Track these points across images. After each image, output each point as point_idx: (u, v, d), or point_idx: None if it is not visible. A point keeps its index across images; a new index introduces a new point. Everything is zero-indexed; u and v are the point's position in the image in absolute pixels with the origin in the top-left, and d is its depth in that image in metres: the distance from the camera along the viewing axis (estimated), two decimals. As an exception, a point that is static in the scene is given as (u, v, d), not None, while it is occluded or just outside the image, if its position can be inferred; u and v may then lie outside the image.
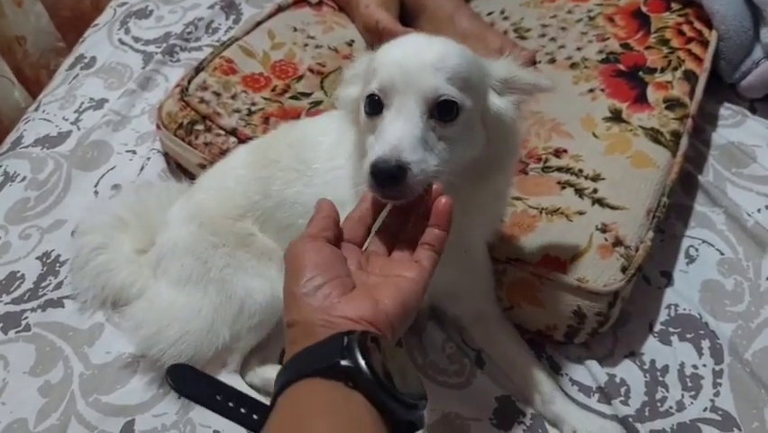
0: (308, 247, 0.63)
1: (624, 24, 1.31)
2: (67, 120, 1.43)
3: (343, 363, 0.53)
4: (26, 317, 1.09)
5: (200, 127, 1.21)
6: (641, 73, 1.20)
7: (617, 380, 0.95)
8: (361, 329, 0.56)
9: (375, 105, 0.70)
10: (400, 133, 0.67)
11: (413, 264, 0.64)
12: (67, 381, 1.00)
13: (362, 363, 0.53)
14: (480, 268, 0.93)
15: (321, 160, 0.91)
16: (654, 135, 1.09)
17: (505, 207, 0.94)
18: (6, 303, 1.11)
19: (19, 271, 1.16)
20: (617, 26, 1.31)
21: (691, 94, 1.16)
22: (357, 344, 0.54)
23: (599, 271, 0.93)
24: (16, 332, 1.07)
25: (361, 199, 0.71)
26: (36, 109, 1.48)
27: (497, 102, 0.75)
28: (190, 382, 0.85)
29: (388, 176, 0.65)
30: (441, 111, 0.69)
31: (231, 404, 0.79)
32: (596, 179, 1.04)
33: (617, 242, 0.95)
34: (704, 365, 0.95)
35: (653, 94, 1.16)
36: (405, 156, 0.65)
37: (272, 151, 0.97)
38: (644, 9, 1.33)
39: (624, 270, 0.93)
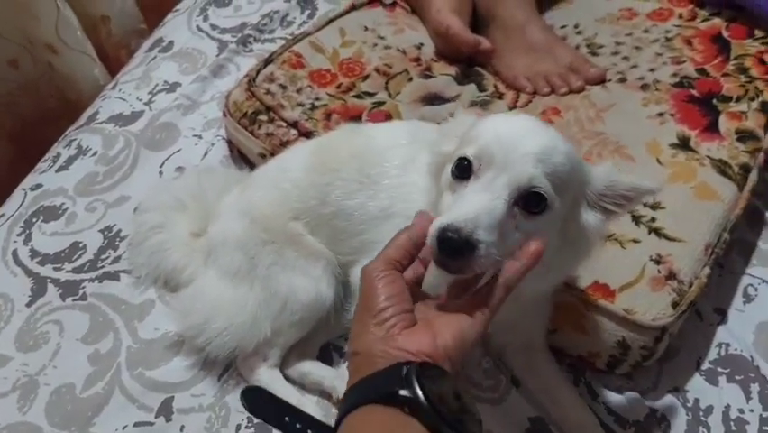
0: (383, 276, 0.66)
1: (702, 48, 1.26)
2: (140, 100, 1.48)
3: (402, 392, 0.57)
4: (84, 287, 1.14)
5: (263, 118, 1.23)
6: (715, 101, 1.15)
7: (658, 415, 0.92)
8: (418, 361, 0.60)
9: (464, 170, 0.68)
10: (481, 208, 0.63)
11: (478, 301, 0.65)
12: (115, 352, 1.04)
13: (419, 392, 0.57)
14: (542, 308, 0.92)
15: (391, 176, 0.90)
16: (722, 167, 1.04)
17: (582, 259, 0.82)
18: (68, 271, 1.17)
19: (82, 242, 1.21)
20: (694, 50, 1.26)
21: (766, 127, 1.11)
22: (414, 374, 0.58)
23: (649, 304, 0.90)
24: (73, 300, 1.12)
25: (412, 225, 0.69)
26: (113, 87, 1.53)
27: (586, 216, 0.72)
28: (262, 403, 0.95)
29: (454, 247, 0.62)
30: (528, 202, 0.66)
31: (298, 426, 0.90)
32: (655, 207, 1.00)
33: (671, 275, 0.92)
34: (751, 410, 0.92)
35: (725, 123, 1.11)
36: (477, 233, 0.62)
37: (333, 159, 0.96)
38: (725, 34, 1.28)
39: (675, 305, 0.90)
